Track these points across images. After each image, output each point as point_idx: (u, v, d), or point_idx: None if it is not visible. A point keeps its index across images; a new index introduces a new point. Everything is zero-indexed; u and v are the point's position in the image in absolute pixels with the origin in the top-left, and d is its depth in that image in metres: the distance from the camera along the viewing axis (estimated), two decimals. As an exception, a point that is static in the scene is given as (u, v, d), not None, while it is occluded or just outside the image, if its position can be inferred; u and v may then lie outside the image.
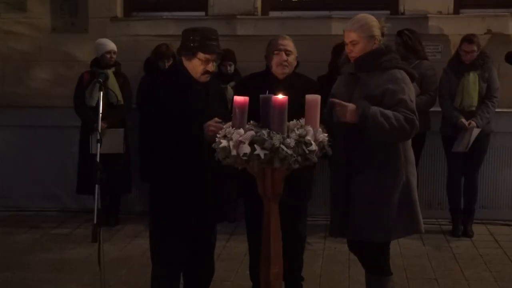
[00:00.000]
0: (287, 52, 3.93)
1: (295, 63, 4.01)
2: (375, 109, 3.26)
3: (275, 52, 3.93)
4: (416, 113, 3.36)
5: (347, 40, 3.48)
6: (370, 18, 3.52)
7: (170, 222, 3.48)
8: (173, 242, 3.48)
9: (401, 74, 3.42)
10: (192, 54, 3.41)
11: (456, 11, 6.33)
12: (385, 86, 3.36)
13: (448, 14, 6.28)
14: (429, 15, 6.24)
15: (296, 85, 3.83)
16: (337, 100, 3.34)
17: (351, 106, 3.30)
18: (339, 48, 5.80)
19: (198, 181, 3.38)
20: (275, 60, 3.92)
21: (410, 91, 3.41)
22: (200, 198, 3.42)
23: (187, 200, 3.42)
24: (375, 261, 3.56)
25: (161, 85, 3.53)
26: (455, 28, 6.14)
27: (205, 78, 3.46)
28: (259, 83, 3.59)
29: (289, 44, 3.96)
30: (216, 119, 3.30)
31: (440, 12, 6.26)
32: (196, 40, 3.39)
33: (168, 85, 3.47)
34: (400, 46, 5.69)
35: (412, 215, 3.49)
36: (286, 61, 3.91)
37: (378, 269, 3.57)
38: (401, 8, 6.34)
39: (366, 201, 3.40)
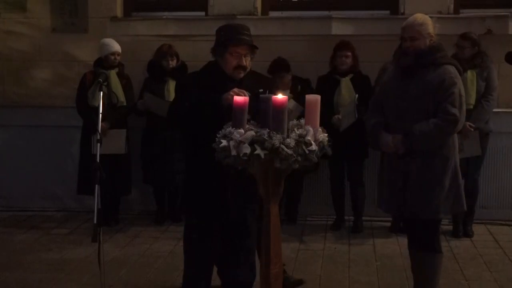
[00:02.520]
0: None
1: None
2: (417, 134, 3.72)
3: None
4: (463, 106, 3.78)
5: (406, 36, 3.88)
6: (427, 17, 3.97)
7: (196, 213, 3.53)
8: (202, 239, 3.51)
9: (453, 69, 3.83)
10: (223, 49, 3.40)
11: (456, 11, 6.32)
12: (441, 79, 3.76)
13: (448, 14, 6.28)
14: (429, 15, 6.22)
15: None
16: (389, 139, 3.85)
17: (395, 142, 3.81)
18: (339, 47, 5.82)
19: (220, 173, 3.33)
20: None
21: (461, 85, 3.82)
22: (222, 190, 3.42)
23: (210, 191, 3.44)
24: (429, 238, 3.91)
25: (191, 83, 3.50)
26: (455, 28, 6.13)
27: (238, 74, 3.42)
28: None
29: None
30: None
31: (440, 12, 6.25)
32: (226, 35, 3.40)
33: (199, 82, 3.44)
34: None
35: (458, 196, 3.89)
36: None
37: (431, 246, 3.91)
38: (401, 8, 6.33)
39: (422, 184, 3.80)
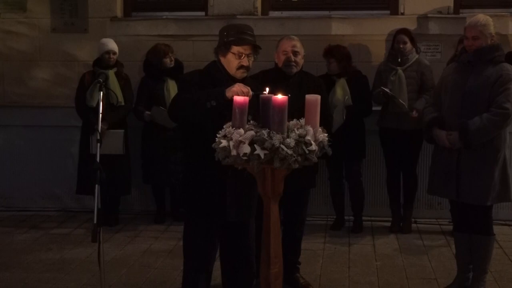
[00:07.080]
0: (295, 53, 4.24)
1: (302, 62, 4.32)
2: (471, 130, 3.96)
3: (283, 52, 4.25)
4: None
5: (469, 36, 4.11)
6: (489, 18, 4.18)
7: (195, 213, 3.52)
8: (201, 237, 3.51)
9: (510, 67, 4.11)
10: (226, 49, 3.40)
11: (456, 11, 6.33)
12: (497, 75, 4.03)
13: (448, 14, 6.28)
14: (429, 15, 6.24)
15: (304, 82, 4.22)
16: (443, 136, 4.13)
17: (451, 139, 4.08)
18: (329, 51, 5.79)
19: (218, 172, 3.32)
20: (283, 60, 4.25)
21: None
22: (221, 189, 3.40)
23: (209, 190, 3.42)
24: (482, 222, 4.23)
25: (195, 79, 3.48)
26: (455, 28, 6.14)
27: (241, 74, 3.43)
28: (270, 79, 3.89)
29: (296, 44, 4.28)
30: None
31: (440, 12, 6.26)
32: (230, 35, 3.40)
33: (202, 80, 3.43)
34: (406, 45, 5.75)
35: (506, 186, 4.17)
36: (294, 61, 4.23)
37: (485, 229, 4.23)
38: (401, 8, 6.34)
39: (473, 172, 4.08)
